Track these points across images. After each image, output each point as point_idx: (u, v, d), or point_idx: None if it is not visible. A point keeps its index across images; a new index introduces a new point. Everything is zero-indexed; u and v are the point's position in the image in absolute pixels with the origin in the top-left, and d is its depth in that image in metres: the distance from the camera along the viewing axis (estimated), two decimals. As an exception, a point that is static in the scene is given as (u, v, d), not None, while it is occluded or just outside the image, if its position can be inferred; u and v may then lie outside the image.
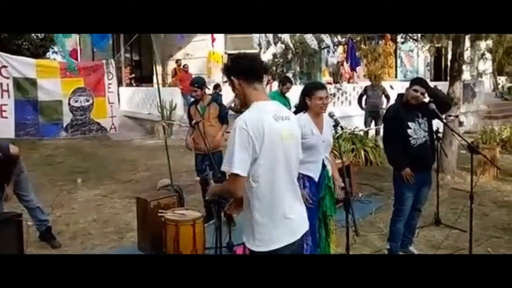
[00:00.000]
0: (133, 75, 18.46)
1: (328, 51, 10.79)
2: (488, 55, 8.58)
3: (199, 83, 5.52)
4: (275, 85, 10.47)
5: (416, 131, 4.18)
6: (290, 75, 12.81)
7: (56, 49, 23.69)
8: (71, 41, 7.09)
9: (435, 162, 4.78)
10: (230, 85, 2.43)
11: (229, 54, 14.94)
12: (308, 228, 2.52)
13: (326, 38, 9.40)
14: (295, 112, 3.59)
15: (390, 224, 4.51)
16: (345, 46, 10.67)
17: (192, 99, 5.76)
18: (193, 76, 14.24)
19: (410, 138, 4.16)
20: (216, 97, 5.78)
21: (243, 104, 2.45)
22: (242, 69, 2.39)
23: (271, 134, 2.25)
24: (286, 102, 7.03)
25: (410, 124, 4.18)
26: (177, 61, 14.33)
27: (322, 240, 3.83)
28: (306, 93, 3.75)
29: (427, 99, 4.27)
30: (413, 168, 4.19)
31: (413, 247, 4.64)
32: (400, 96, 4.45)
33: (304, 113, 3.71)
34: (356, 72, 13.16)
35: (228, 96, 13.18)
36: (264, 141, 2.23)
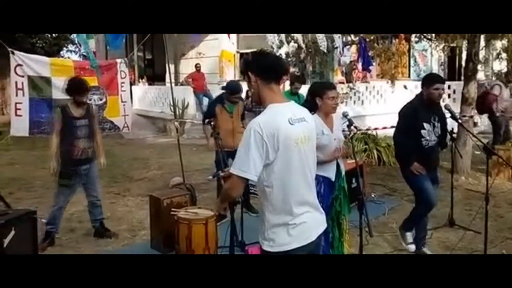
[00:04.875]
0: (140, 78, 18.45)
1: (341, 52, 10.72)
2: (504, 55, 8.44)
3: (241, 90, 5.62)
4: (287, 84, 10.42)
5: (429, 133, 4.25)
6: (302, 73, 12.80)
7: (70, 47, 24.04)
8: (92, 42, 7.19)
9: (439, 163, 4.76)
10: (247, 80, 2.36)
11: (241, 53, 14.94)
12: (324, 228, 2.49)
13: (338, 39, 9.36)
14: None
15: (415, 218, 4.53)
16: (358, 45, 10.59)
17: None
18: (205, 75, 14.28)
19: (423, 139, 4.24)
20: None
21: (257, 101, 2.40)
22: (262, 67, 2.32)
23: (285, 140, 2.20)
24: (297, 100, 6.99)
25: (425, 125, 4.24)
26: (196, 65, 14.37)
27: (335, 240, 3.81)
28: (316, 93, 3.70)
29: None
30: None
31: (427, 248, 4.60)
32: (419, 95, 4.41)
33: (313, 113, 3.57)
34: (370, 72, 13.09)
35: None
36: (278, 146, 2.18)
